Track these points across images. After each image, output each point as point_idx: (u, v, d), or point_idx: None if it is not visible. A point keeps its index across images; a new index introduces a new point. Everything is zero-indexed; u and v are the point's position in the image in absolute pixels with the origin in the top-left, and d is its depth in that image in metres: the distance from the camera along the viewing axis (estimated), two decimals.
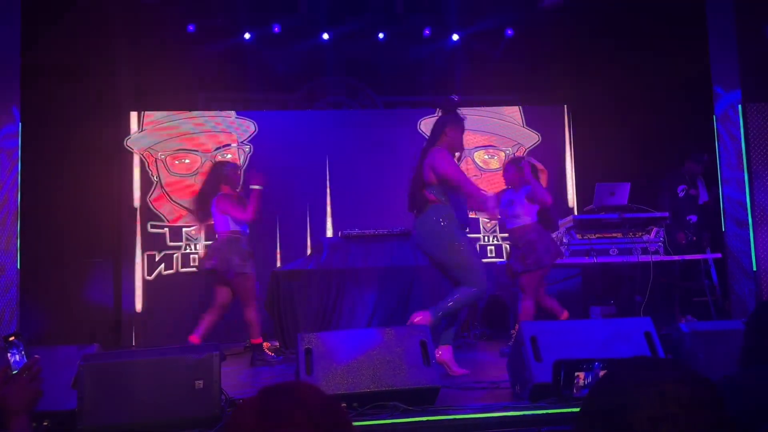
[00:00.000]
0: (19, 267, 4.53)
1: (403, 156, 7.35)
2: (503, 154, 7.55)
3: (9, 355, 1.63)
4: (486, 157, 7.59)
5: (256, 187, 4.74)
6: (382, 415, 2.84)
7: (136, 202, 7.00)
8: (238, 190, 5.06)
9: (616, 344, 3.09)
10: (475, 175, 7.46)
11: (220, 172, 4.95)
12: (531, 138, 7.58)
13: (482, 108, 7.64)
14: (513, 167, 4.90)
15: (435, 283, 5.63)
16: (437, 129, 4.06)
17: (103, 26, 6.30)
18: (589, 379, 2.67)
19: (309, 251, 6.78)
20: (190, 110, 7.27)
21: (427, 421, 2.80)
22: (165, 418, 2.80)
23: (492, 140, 7.59)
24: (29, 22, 4.76)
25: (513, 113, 7.66)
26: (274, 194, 7.16)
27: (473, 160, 7.56)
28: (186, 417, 2.80)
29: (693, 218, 6.02)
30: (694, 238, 5.92)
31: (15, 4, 4.58)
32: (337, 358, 3.00)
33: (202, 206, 4.94)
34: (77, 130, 6.32)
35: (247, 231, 4.92)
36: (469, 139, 7.54)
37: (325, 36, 7.28)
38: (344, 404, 2.91)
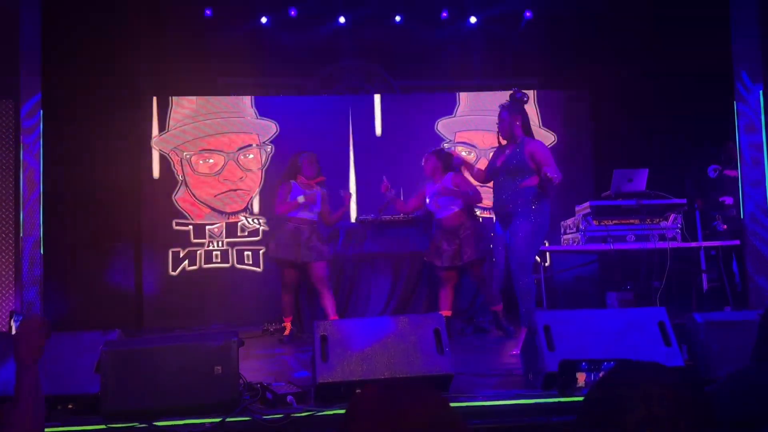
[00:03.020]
0: (42, 252, 4.64)
1: (421, 140, 7.36)
2: None
3: (12, 322, 1.81)
4: None
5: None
6: None
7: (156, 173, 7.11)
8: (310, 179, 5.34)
9: (630, 334, 3.10)
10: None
11: (295, 163, 5.33)
12: (547, 138, 7.47)
13: (496, 98, 7.52)
14: (433, 158, 5.04)
15: None
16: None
17: (121, 11, 6.33)
18: (591, 379, 2.69)
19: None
20: (207, 95, 7.32)
21: None
22: (185, 402, 2.88)
23: (506, 140, 7.51)
24: (49, 8, 4.81)
25: (530, 112, 7.52)
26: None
27: (488, 160, 7.50)
28: (205, 402, 2.88)
29: (728, 200, 5.92)
30: (725, 227, 5.81)
31: None
32: (352, 346, 3.05)
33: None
34: (98, 115, 6.39)
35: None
36: (485, 139, 7.53)
37: (342, 20, 7.25)
38: (359, 390, 2.96)
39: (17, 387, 1.70)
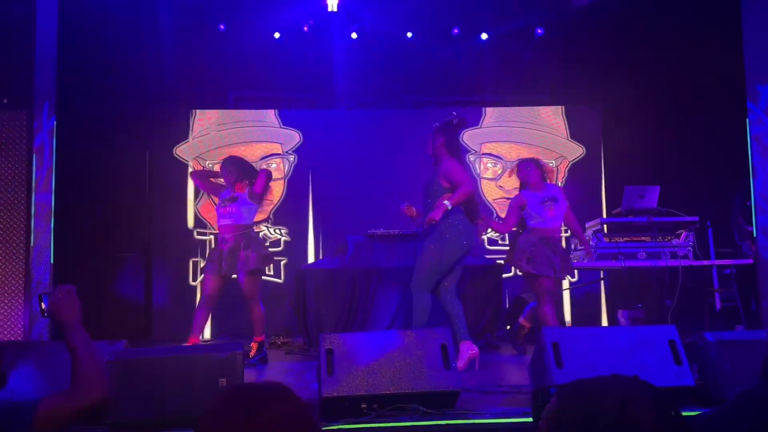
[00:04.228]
0: (52, 261, 4.66)
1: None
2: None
3: (42, 303, 1.89)
4: None
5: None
6: (402, 418, 2.87)
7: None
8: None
9: (640, 352, 3.05)
10: (516, 188, 7.34)
11: None
12: (575, 151, 7.43)
13: (525, 111, 7.52)
14: (533, 165, 4.81)
15: (458, 283, 5.62)
16: None
17: (136, 27, 6.41)
18: None
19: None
20: (219, 109, 7.36)
21: (447, 424, 2.81)
22: (189, 414, 2.85)
23: (535, 152, 7.42)
24: (65, 27, 4.88)
25: (558, 124, 7.52)
26: (310, 202, 7.21)
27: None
28: None
29: None
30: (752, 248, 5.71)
31: (52, 6, 4.71)
32: (358, 360, 3.02)
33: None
34: (109, 129, 6.44)
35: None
36: (512, 151, 7.50)
37: (354, 35, 7.31)
38: (364, 405, 2.94)
39: (72, 351, 1.73)
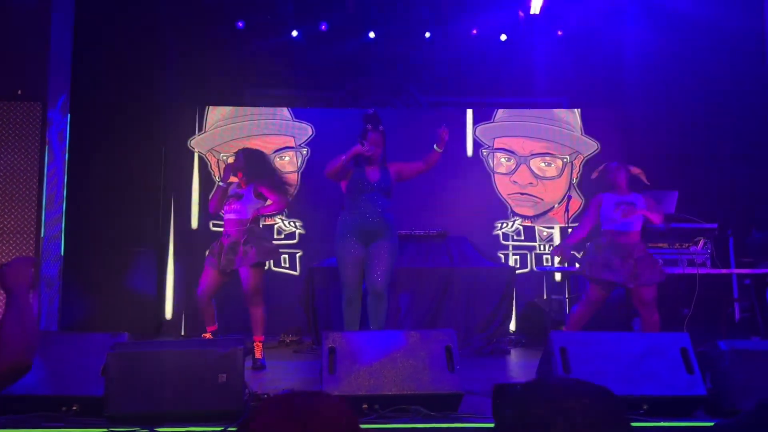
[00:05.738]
0: (63, 253, 4.68)
1: (445, 156, 7.25)
2: (560, 162, 7.37)
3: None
4: (542, 164, 7.39)
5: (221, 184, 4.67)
6: (404, 419, 2.81)
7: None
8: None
9: (651, 359, 2.97)
10: (530, 183, 7.29)
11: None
12: (590, 146, 7.35)
13: (537, 111, 7.46)
14: (624, 169, 4.57)
15: (470, 286, 5.55)
16: None
17: (153, 21, 6.43)
18: None
19: None
20: (236, 106, 7.36)
21: (449, 427, 2.76)
22: (188, 409, 2.83)
23: (549, 147, 7.36)
24: (81, 18, 4.90)
25: (571, 119, 7.44)
26: (324, 195, 7.14)
27: (529, 168, 7.38)
28: (209, 410, 2.83)
29: None
30: None
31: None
32: (360, 359, 2.98)
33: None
34: (123, 123, 6.46)
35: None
36: (525, 145, 7.43)
37: (372, 35, 7.28)
38: (366, 405, 2.89)
39: (4, 312, 1.76)
